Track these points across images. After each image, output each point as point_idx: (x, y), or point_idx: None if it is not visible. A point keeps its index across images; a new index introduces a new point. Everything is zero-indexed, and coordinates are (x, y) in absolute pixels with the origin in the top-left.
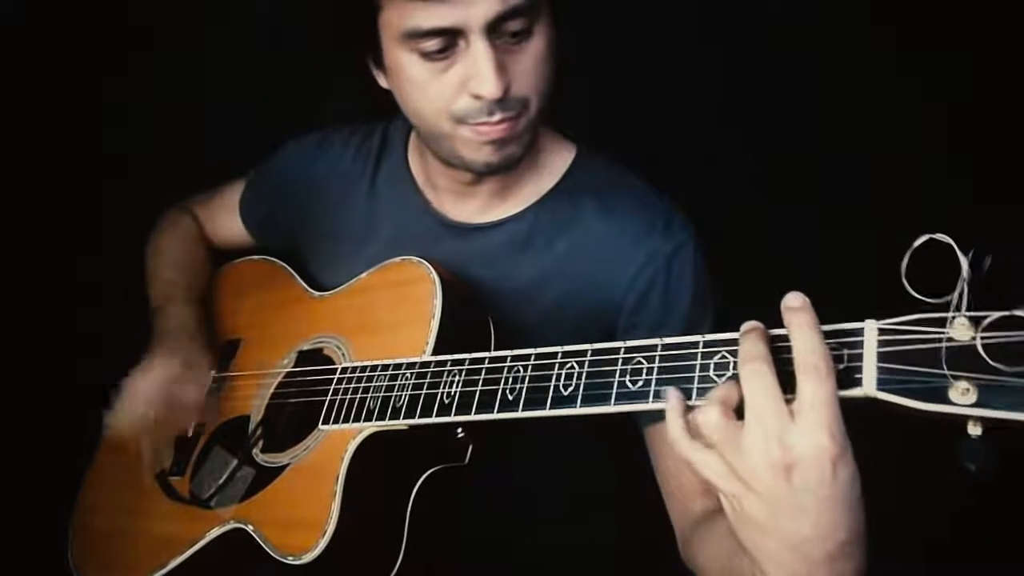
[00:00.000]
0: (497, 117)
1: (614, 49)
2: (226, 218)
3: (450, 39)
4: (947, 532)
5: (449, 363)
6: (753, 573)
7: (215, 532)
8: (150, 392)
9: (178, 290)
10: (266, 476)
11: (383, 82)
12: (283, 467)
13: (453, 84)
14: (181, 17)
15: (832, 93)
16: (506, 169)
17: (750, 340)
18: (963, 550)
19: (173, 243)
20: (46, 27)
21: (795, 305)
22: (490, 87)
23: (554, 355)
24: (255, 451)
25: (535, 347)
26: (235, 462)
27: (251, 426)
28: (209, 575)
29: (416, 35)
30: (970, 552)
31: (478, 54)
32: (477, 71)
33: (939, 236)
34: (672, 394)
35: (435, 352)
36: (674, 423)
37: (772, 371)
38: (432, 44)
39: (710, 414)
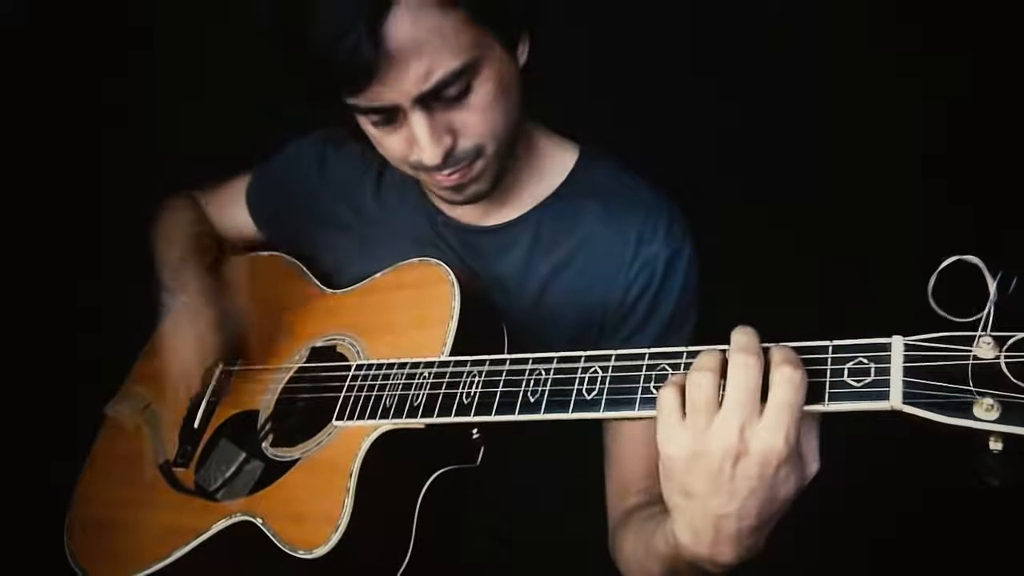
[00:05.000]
0: (447, 172)
1: (611, 49)
2: (231, 211)
3: (389, 112)
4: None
5: (469, 363)
6: (664, 536)
7: (222, 524)
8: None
9: (187, 260)
10: (275, 470)
11: None
12: (293, 462)
13: (402, 143)
14: (181, 17)
15: (832, 94)
16: (476, 201)
17: (746, 333)
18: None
19: (177, 223)
20: (46, 27)
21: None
22: (428, 155)
23: (577, 359)
24: (264, 444)
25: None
26: (243, 455)
27: (261, 419)
28: (214, 568)
29: (358, 111)
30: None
31: (414, 125)
32: (416, 140)
33: (968, 257)
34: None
35: (452, 354)
36: (678, 378)
37: (760, 366)
38: (374, 117)
39: (705, 380)
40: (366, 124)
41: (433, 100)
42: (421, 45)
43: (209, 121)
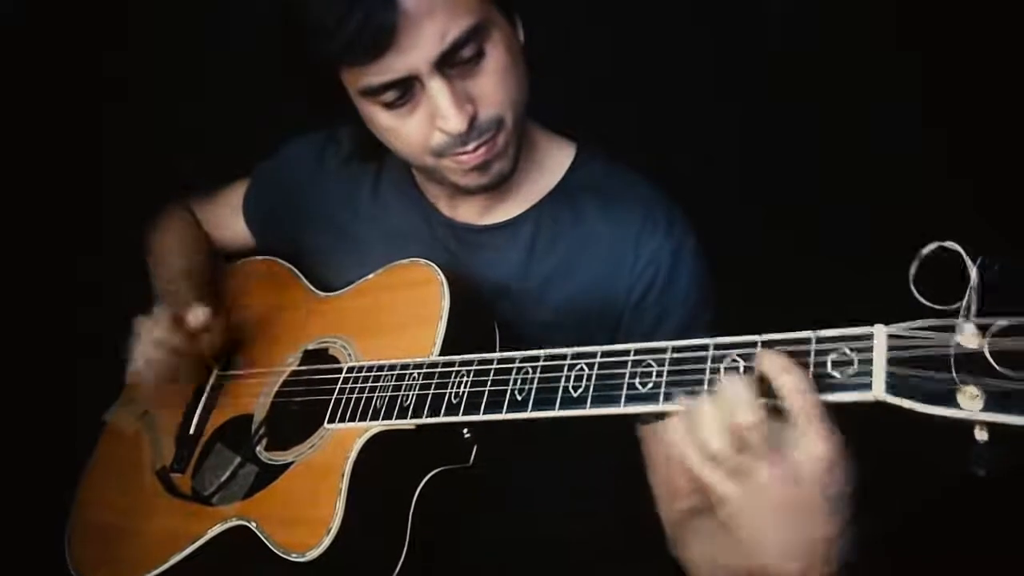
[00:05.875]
0: (472, 145)
1: (610, 49)
2: (227, 218)
3: (405, 86)
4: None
5: (457, 363)
6: (747, 566)
7: (217, 529)
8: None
9: (183, 276)
10: (269, 474)
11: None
12: (287, 465)
13: (422, 124)
14: (181, 17)
15: (832, 93)
16: (500, 184)
17: (734, 383)
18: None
19: (173, 235)
20: (46, 27)
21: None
22: (454, 122)
23: (563, 356)
24: (258, 449)
25: (536, 347)
26: (238, 459)
27: (255, 424)
28: (211, 572)
29: (372, 91)
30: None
31: (435, 93)
32: (438, 110)
33: (948, 244)
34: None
35: (442, 353)
36: (686, 445)
37: (756, 409)
38: (389, 96)
39: (721, 442)
40: (378, 115)
41: (449, 67)
42: (434, 6)
43: (208, 120)
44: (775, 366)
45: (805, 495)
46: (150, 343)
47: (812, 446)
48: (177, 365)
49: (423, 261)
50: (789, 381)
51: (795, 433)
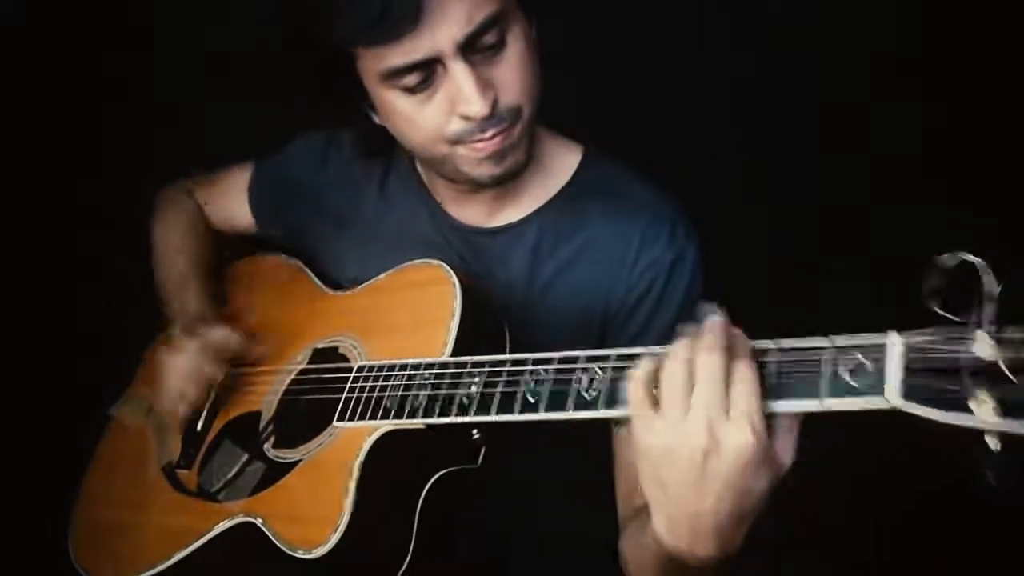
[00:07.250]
0: (490, 132)
1: (612, 49)
2: (229, 203)
3: (428, 69)
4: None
5: (469, 364)
6: (650, 531)
7: (223, 525)
8: (187, 370)
9: (189, 279)
10: (277, 471)
11: (377, 119)
12: (295, 463)
13: (441, 110)
14: (181, 17)
15: (832, 94)
16: (512, 177)
17: (711, 330)
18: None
19: (177, 228)
20: (46, 27)
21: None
22: (476, 106)
23: (576, 359)
24: (266, 446)
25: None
26: (245, 456)
27: (263, 421)
28: (216, 569)
29: (394, 74)
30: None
31: (458, 76)
32: (461, 93)
33: (964, 254)
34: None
35: (453, 354)
36: (643, 372)
37: (723, 363)
38: (412, 79)
39: (679, 371)
40: (397, 100)
41: (472, 52)
42: None
43: (209, 121)
44: (737, 349)
45: (710, 473)
46: (182, 378)
47: (737, 436)
48: (208, 388)
49: (435, 262)
50: (741, 387)
51: (730, 421)
